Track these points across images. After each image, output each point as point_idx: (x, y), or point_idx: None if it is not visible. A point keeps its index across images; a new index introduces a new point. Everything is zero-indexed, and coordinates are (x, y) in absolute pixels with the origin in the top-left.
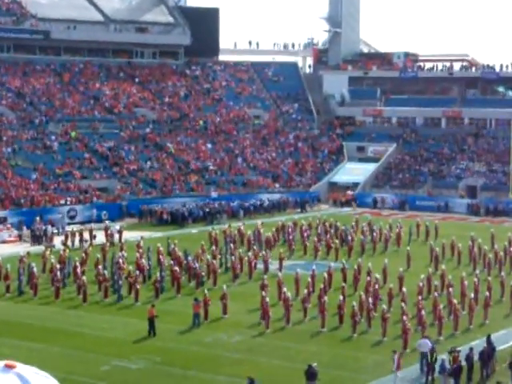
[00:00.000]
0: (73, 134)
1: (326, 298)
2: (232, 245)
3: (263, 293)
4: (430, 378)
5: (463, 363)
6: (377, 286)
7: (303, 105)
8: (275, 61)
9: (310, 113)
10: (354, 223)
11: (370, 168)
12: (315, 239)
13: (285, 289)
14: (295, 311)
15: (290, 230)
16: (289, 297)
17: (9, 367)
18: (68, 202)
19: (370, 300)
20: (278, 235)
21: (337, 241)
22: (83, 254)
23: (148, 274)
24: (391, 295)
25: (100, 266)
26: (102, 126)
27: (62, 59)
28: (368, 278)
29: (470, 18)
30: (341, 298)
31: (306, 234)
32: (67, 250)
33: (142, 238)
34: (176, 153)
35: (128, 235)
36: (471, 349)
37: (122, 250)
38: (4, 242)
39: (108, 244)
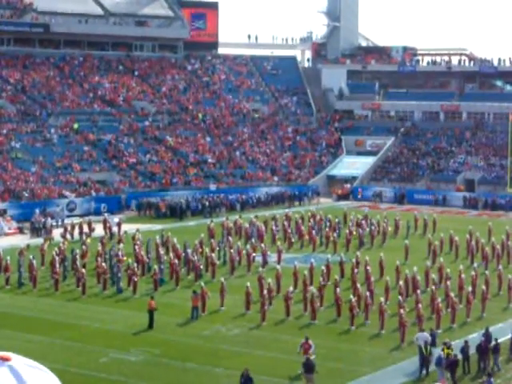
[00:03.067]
0: (75, 125)
1: (314, 290)
2: (230, 238)
3: (248, 283)
4: (424, 371)
5: (459, 356)
6: (372, 279)
7: (302, 98)
8: (274, 54)
9: (308, 106)
10: (352, 217)
11: (368, 161)
12: (313, 232)
13: (269, 279)
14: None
15: (285, 223)
16: (288, 290)
17: (2, 359)
18: (67, 194)
19: (368, 293)
20: (267, 227)
21: (335, 234)
22: (83, 247)
23: (148, 266)
24: (388, 288)
25: (99, 259)
26: (102, 118)
27: (61, 52)
28: (365, 271)
29: (468, 11)
30: (337, 290)
31: (301, 228)
32: (66, 243)
33: (137, 230)
34: (175, 146)
35: (127, 228)
36: (466, 341)
37: (119, 242)
38: (4, 234)
39: (107, 237)
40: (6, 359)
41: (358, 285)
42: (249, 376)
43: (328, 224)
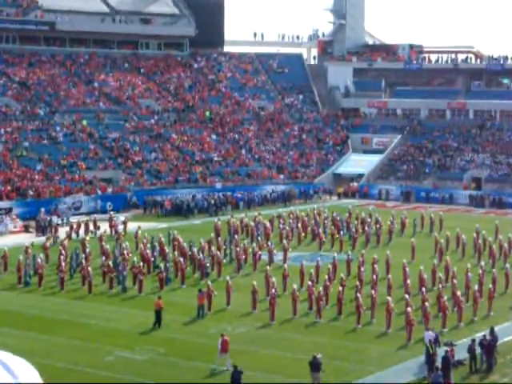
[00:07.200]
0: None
1: (321, 288)
2: (236, 236)
3: (254, 282)
4: (430, 370)
5: (466, 355)
6: (375, 277)
7: (308, 96)
8: (280, 52)
9: (314, 104)
10: (356, 215)
11: (374, 160)
12: (319, 230)
13: (273, 279)
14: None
15: (291, 221)
16: (295, 288)
17: None
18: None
19: (373, 291)
20: (273, 225)
21: (341, 232)
22: (87, 245)
23: (153, 264)
24: (390, 286)
25: (104, 257)
26: (107, 117)
27: (67, 50)
28: (372, 269)
29: (474, 9)
30: (340, 289)
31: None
32: (68, 241)
33: (139, 228)
34: (181, 144)
35: (132, 226)
36: (473, 340)
37: (117, 240)
38: (10, 232)
39: (113, 235)
40: None
41: (358, 283)
42: (237, 370)
43: (332, 222)
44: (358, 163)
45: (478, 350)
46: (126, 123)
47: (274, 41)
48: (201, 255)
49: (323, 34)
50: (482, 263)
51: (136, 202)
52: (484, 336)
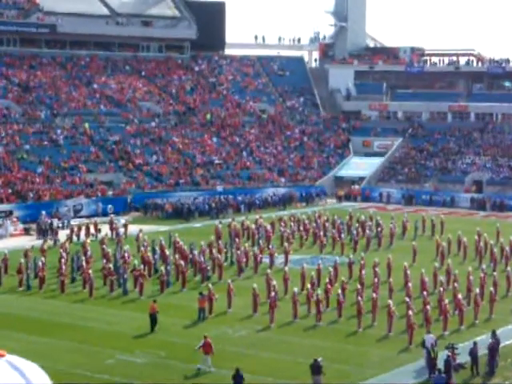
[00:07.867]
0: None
1: (319, 291)
2: (237, 239)
3: (255, 285)
4: (432, 372)
5: (467, 358)
6: (376, 280)
7: (309, 99)
8: (281, 55)
9: (315, 107)
10: (357, 218)
11: (375, 162)
12: (321, 233)
13: (274, 282)
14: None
15: (292, 224)
16: (295, 291)
17: None
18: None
19: (374, 295)
20: (274, 228)
21: (342, 235)
22: (88, 248)
23: (154, 267)
24: (391, 289)
25: (105, 260)
26: (108, 119)
27: (67, 53)
28: (373, 273)
29: (476, 12)
30: (339, 291)
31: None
32: (68, 243)
33: (140, 230)
34: (182, 147)
35: (133, 229)
36: (475, 343)
37: (117, 243)
38: (10, 235)
39: (114, 238)
40: (1, 355)
41: (359, 286)
42: (240, 374)
43: (333, 225)
44: (359, 166)
45: (483, 352)
46: (127, 126)
47: (275, 43)
48: (201, 258)
49: (324, 37)
50: (484, 266)
51: (133, 205)
52: (490, 340)
